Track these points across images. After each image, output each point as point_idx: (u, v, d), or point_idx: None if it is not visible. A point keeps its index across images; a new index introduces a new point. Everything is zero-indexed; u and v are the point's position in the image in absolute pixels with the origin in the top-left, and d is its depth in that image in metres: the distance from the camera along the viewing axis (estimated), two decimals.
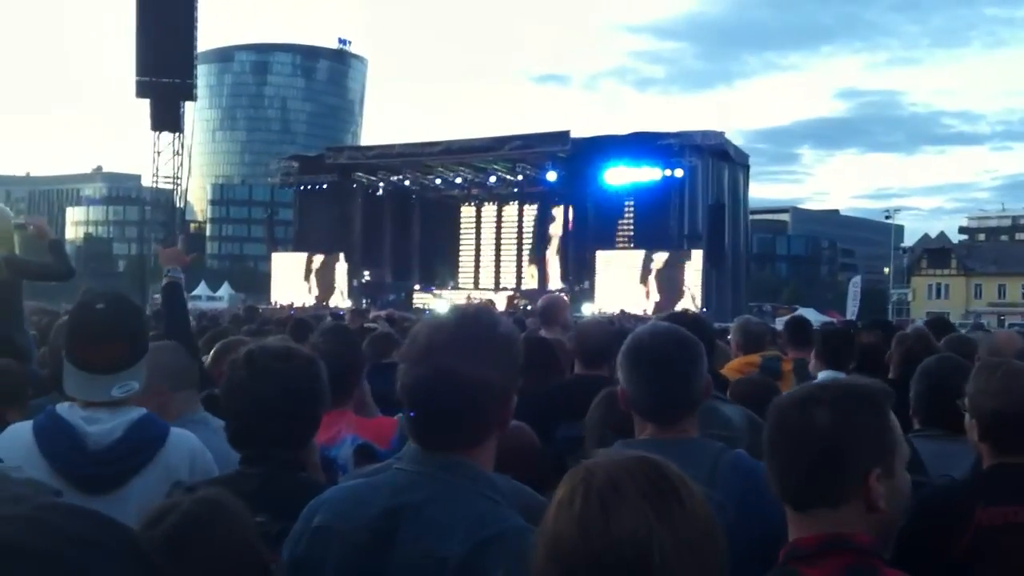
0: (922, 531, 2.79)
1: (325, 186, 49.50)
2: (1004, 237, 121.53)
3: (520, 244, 50.86)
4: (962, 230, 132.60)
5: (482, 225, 52.24)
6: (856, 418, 1.82)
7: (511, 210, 50.96)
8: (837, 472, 1.80)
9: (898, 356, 5.39)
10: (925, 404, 3.60)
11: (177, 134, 38.40)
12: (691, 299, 37.95)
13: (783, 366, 6.06)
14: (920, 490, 3.07)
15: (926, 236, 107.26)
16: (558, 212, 48.09)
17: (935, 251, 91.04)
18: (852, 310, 39.06)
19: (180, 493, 2.32)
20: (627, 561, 1.27)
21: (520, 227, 50.79)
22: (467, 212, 52.81)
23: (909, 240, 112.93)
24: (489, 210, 51.87)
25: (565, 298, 9.10)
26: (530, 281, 49.19)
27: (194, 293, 56.99)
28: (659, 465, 1.37)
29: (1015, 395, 2.74)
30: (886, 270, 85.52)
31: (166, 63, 35.54)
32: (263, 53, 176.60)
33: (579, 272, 44.52)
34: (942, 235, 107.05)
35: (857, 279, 45.48)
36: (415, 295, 46.47)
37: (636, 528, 1.27)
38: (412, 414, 1.95)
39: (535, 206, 49.82)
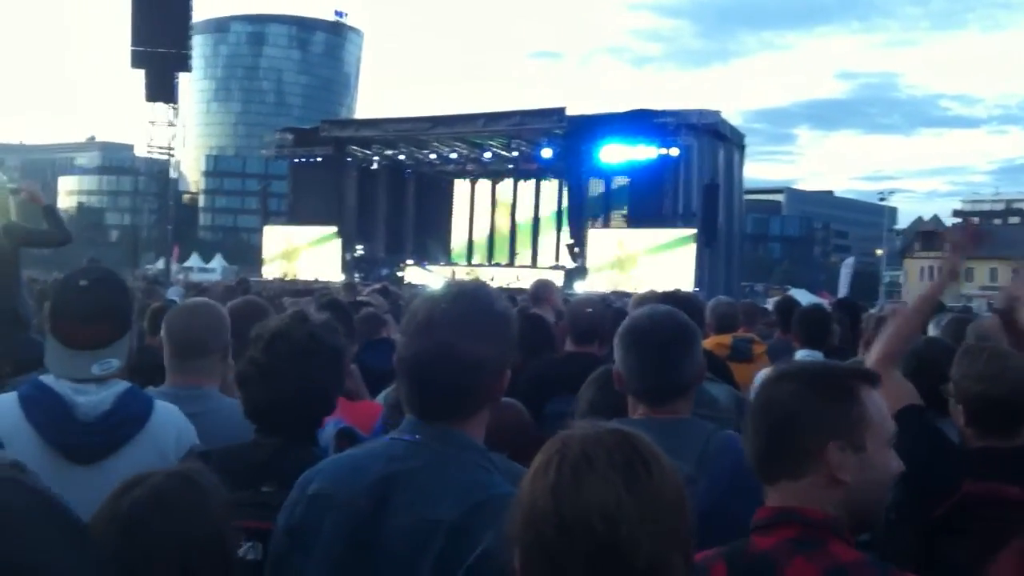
0: (910, 492, 2.85)
1: (319, 159, 49.27)
2: (997, 221, 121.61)
3: (514, 221, 50.80)
4: (956, 213, 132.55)
5: (476, 201, 52.14)
6: (815, 392, 1.87)
7: (505, 186, 50.85)
8: (793, 443, 1.85)
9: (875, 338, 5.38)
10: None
11: (171, 105, 38.19)
12: (683, 279, 37.95)
13: (754, 348, 6.15)
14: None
15: (920, 219, 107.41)
16: (552, 189, 48.02)
17: (928, 234, 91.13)
18: (844, 291, 39.14)
19: (195, 458, 2.36)
20: (595, 530, 1.32)
21: (514, 204, 50.71)
22: (461, 188, 52.71)
23: (903, 222, 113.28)
24: (483, 186, 51.77)
25: (554, 281, 9.32)
26: (523, 258, 49.19)
27: (186, 264, 56.99)
28: (632, 438, 1.42)
29: (1001, 379, 2.77)
30: (879, 252, 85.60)
31: (161, 33, 35.26)
32: (258, 24, 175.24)
33: (572, 250, 44.52)
34: (936, 218, 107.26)
35: (850, 260, 45.45)
36: (408, 270, 46.43)
37: (605, 499, 1.33)
38: (408, 386, 1.99)
39: (530, 183, 49.73)
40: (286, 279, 38.04)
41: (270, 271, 48.01)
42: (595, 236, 43.11)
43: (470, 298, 2.02)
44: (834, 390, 1.87)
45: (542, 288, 6.74)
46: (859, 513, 1.85)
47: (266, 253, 52.38)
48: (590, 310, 5.01)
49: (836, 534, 1.80)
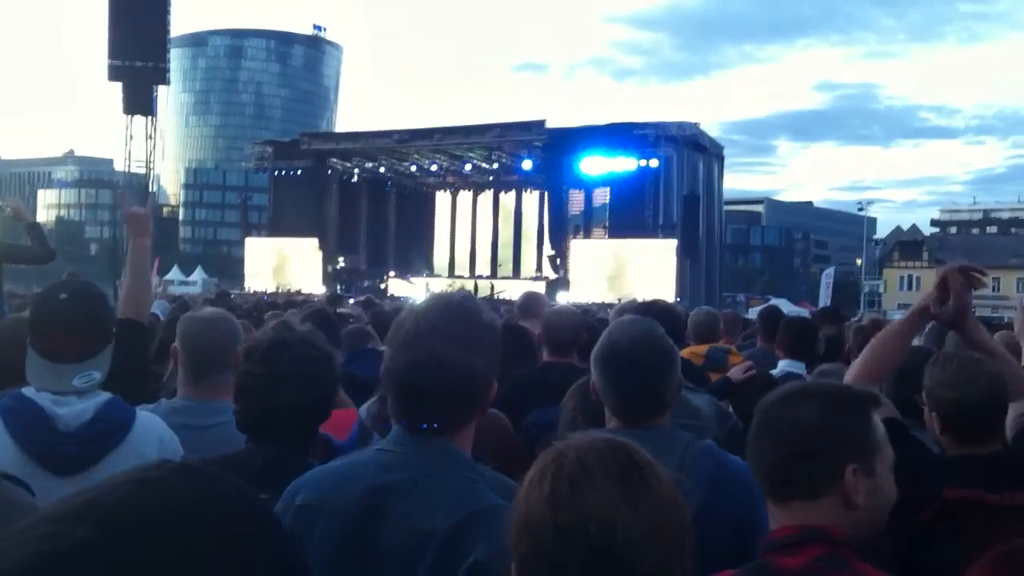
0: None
1: (300, 172, 49.13)
2: (975, 230, 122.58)
3: (495, 232, 50.80)
4: (934, 223, 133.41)
5: (457, 213, 52.16)
6: (835, 415, 1.87)
7: (486, 198, 50.89)
8: (813, 464, 1.85)
9: (856, 347, 5.41)
10: (893, 395, 3.60)
11: (150, 118, 38.02)
12: (664, 289, 38.00)
13: (730, 359, 6.10)
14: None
15: (898, 228, 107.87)
16: (533, 201, 48.09)
17: (907, 243, 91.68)
18: (825, 301, 39.26)
19: None
20: (593, 540, 1.31)
21: (495, 215, 50.73)
22: (443, 199, 52.72)
23: (882, 232, 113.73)
24: (465, 198, 51.78)
25: (543, 295, 9.18)
26: (505, 269, 49.18)
27: (167, 277, 56.68)
28: (628, 448, 1.41)
29: (973, 385, 2.76)
30: (858, 261, 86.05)
31: (139, 46, 35.12)
32: (237, 38, 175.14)
33: (554, 261, 44.55)
34: (914, 227, 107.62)
35: (830, 271, 45.65)
36: (390, 281, 46.31)
37: (602, 508, 1.32)
38: (396, 397, 1.99)
39: (511, 194, 49.79)
40: (278, 291, 37.69)
41: (254, 283, 47.75)
42: (576, 247, 43.16)
43: (456, 309, 2.01)
44: (855, 413, 1.89)
45: (531, 301, 6.66)
46: (859, 536, 1.86)
47: (248, 266, 52.19)
48: (565, 320, 5.01)
49: (856, 553, 1.81)
